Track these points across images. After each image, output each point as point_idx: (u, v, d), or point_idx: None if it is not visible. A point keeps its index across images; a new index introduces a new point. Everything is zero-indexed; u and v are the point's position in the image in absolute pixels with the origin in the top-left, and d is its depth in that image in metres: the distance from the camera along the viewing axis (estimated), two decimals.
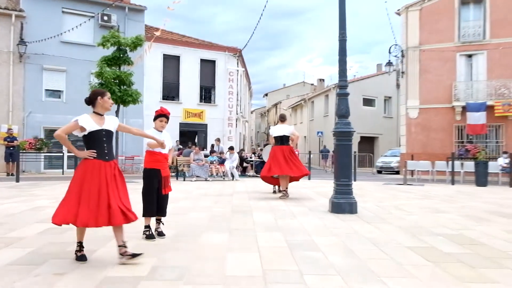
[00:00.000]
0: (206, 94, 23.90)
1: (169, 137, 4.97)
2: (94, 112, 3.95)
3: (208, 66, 23.74)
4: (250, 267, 3.62)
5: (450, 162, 15.31)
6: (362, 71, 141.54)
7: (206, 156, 16.26)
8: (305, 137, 38.71)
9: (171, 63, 22.79)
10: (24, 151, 16.49)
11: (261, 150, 19.01)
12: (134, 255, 3.70)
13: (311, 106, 39.14)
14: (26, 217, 6.19)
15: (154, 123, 4.90)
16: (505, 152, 16.68)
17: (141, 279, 3.28)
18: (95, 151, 3.73)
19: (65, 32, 18.90)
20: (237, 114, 25.01)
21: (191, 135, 23.11)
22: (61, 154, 18.74)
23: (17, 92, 18.65)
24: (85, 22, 18.96)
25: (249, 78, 35.13)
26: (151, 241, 4.62)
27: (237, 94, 24.93)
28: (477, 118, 18.99)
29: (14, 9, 18.58)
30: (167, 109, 5.00)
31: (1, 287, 3.06)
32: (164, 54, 22.34)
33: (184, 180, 14.56)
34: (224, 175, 15.39)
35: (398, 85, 27.29)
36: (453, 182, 14.53)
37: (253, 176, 17.86)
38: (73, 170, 14.24)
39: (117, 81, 13.04)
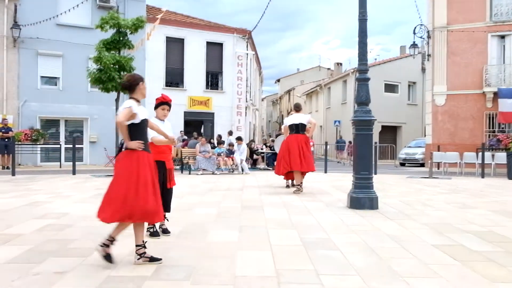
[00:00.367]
0: (213, 80, 23.91)
1: (170, 127, 4.97)
2: (133, 98, 3.84)
3: (214, 50, 23.71)
4: (262, 267, 3.66)
5: (480, 153, 15.17)
6: (384, 54, 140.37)
7: (213, 148, 16.32)
8: (320, 126, 38.58)
9: (175, 47, 22.80)
10: (19, 142, 16.71)
11: (273, 141, 19.05)
12: (153, 259, 3.75)
13: (328, 93, 38.94)
14: (23, 212, 6.30)
15: (155, 112, 4.91)
16: None
17: (146, 278, 3.34)
18: (143, 141, 3.74)
19: (61, 14, 19.00)
20: (246, 101, 25.00)
21: (196, 124, 23.18)
22: (58, 146, 18.97)
23: (12, 80, 18.86)
24: (82, 2, 19.04)
25: (259, 62, 35.04)
26: (156, 239, 4.68)
27: (247, 80, 24.90)
28: (510, 105, 18.73)
29: None
30: (169, 96, 5.02)
31: None
32: (167, 37, 22.35)
33: (189, 173, 14.65)
34: (234, 168, 15.44)
35: (423, 69, 26.98)
36: (483, 175, 14.41)
37: (264, 169, 17.90)
38: (71, 163, 14.42)
39: (117, 66, 13.09)
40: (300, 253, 4.13)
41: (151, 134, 4.46)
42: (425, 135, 23.12)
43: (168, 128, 4.82)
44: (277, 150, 12.89)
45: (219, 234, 4.93)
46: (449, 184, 11.63)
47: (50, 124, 20.13)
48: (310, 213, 6.40)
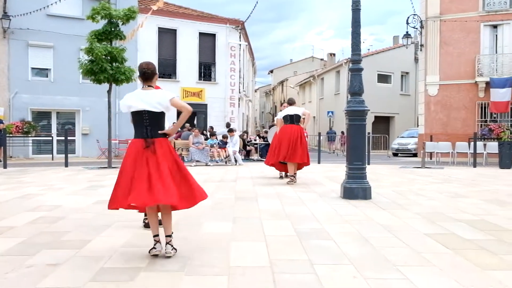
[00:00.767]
0: (206, 71, 23.82)
1: None
2: (151, 86, 3.81)
3: (207, 41, 23.60)
4: (256, 257, 3.67)
5: (472, 143, 15.28)
6: (377, 45, 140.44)
7: (206, 139, 16.29)
8: (314, 117, 38.61)
9: (167, 38, 22.66)
10: (10, 135, 16.59)
11: (266, 132, 19.04)
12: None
13: (321, 84, 38.93)
14: (15, 205, 6.27)
15: None
16: None
17: (140, 270, 3.33)
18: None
19: (51, 4, 18.78)
20: (239, 93, 24.95)
21: (189, 116, 23.07)
22: (50, 138, 18.84)
23: (2, 71, 18.67)
24: None
25: (252, 53, 34.92)
26: (150, 230, 4.67)
27: (240, 71, 24.82)
28: (502, 95, 18.86)
29: None
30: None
31: None
32: (159, 28, 22.20)
33: None
34: (227, 160, 15.44)
35: (416, 60, 27.08)
36: (475, 164, 14.53)
37: (257, 160, 17.92)
38: (63, 155, 14.33)
39: (109, 57, 13.00)
40: (294, 243, 4.14)
41: None
42: (417, 125, 23.25)
43: None
44: (270, 141, 12.90)
45: (213, 226, 4.94)
46: (441, 173, 11.71)
47: (42, 116, 19.99)
48: (304, 204, 6.42)
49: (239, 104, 24.89)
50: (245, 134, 20.89)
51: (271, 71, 61.15)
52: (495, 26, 20.02)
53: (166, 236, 3.70)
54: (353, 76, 7.05)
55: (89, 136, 19.92)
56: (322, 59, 53.02)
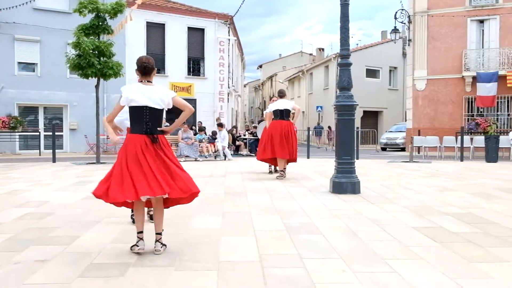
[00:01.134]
0: (195, 66, 23.71)
1: None
2: (150, 82, 3.75)
3: (196, 35, 23.48)
4: (245, 252, 3.67)
5: (459, 137, 15.44)
6: (365, 39, 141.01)
7: (194, 134, 16.23)
8: (303, 112, 38.68)
9: (156, 32, 22.50)
10: None
11: (255, 127, 19.03)
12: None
13: (310, 78, 38.98)
14: (2, 201, 6.20)
15: None
16: None
17: (130, 265, 3.32)
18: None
19: None
20: (228, 88, 24.90)
21: (178, 111, 22.73)
22: (37, 133, 18.64)
23: None
24: None
25: (241, 48, 34.82)
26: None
27: (229, 66, 24.74)
28: (488, 89, 19.06)
29: None
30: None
31: None
32: (147, 22, 22.03)
33: None
34: (216, 155, 15.41)
35: (404, 54, 27.18)
36: (462, 158, 14.69)
37: (246, 155, 17.92)
38: (50, 150, 14.20)
39: (96, 52, 12.87)
40: (284, 238, 4.15)
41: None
42: (405, 120, 23.40)
43: None
44: (259, 136, 12.89)
45: (203, 221, 4.93)
46: (429, 167, 11.82)
47: (29, 111, 19.77)
48: (293, 199, 6.43)
49: (228, 99, 24.83)
50: (234, 129, 20.86)
51: (260, 66, 61.04)
52: (481, 21, 20.19)
53: (157, 233, 3.67)
54: (342, 71, 7.06)
55: (77, 132, 19.74)
56: (311, 54, 53.02)
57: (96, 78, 13.15)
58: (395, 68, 33.37)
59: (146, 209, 4.11)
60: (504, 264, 3.37)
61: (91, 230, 4.44)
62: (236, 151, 18.73)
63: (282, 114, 8.98)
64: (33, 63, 19.53)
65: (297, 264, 3.36)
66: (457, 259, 3.49)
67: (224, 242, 3.99)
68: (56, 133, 14.81)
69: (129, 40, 21.03)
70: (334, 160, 7.21)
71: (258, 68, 62.89)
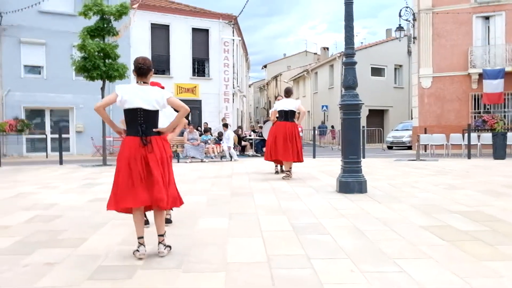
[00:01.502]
0: (200, 67, 23.73)
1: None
2: (146, 83, 3.73)
3: (200, 36, 23.50)
4: (253, 253, 3.67)
5: (466, 135, 15.34)
6: (370, 38, 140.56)
7: (200, 135, 16.24)
8: (308, 111, 38.59)
9: (160, 33, 22.55)
10: (4, 133, 16.49)
11: (261, 127, 19.02)
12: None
13: (315, 78, 38.91)
14: (10, 204, 6.23)
15: None
16: None
17: (137, 268, 3.33)
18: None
19: (43, 0, 18.59)
20: (233, 88, 24.91)
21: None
22: (44, 136, 18.74)
23: None
24: None
25: (246, 48, 34.82)
26: (145, 228, 4.66)
27: (233, 66, 24.75)
28: (495, 86, 18.92)
29: None
30: (160, 83, 4.95)
31: None
32: (152, 24, 22.08)
33: (178, 161, 14.60)
34: (222, 155, 15.42)
35: (409, 52, 27.11)
36: (469, 155, 14.60)
37: (252, 155, 17.91)
38: (57, 153, 14.26)
39: (102, 54, 12.92)
40: (291, 238, 4.15)
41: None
42: (411, 118, 23.29)
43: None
44: (265, 136, 12.88)
45: (210, 222, 4.93)
46: (436, 165, 11.76)
47: (35, 114, 19.87)
48: (300, 199, 6.42)
49: (233, 99, 24.84)
50: (240, 130, 20.86)
51: (265, 66, 61.04)
52: (487, 18, 20.04)
53: (159, 235, 3.65)
54: (347, 70, 7.04)
55: (83, 134, 19.82)
56: (315, 53, 52.95)
57: (102, 80, 13.19)
58: (400, 66, 33.22)
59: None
60: None
61: (98, 232, 4.46)
62: (242, 151, 18.73)
63: (287, 115, 8.87)
64: (39, 66, 19.63)
65: (304, 264, 3.35)
66: (466, 257, 3.46)
67: (231, 243, 3.99)
68: (63, 136, 14.89)
69: (134, 41, 21.08)
70: (340, 159, 7.19)
71: (262, 68, 62.92)
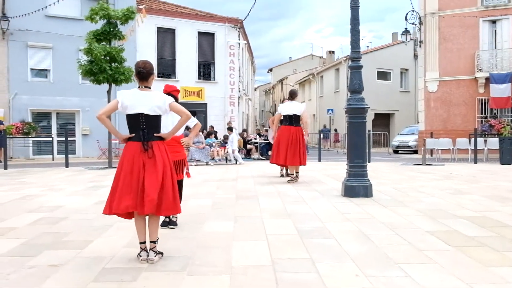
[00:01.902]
0: (205, 70, 23.79)
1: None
2: (147, 87, 3.66)
3: (206, 40, 23.56)
4: (258, 256, 3.67)
5: (472, 139, 15.27)
6: (376, 41, 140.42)
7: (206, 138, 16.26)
8: (314, 115, 38.60)
9: (166, 37, 22.63)
10: (11, 136, 16.59)
11: (266, 130, 19.02)
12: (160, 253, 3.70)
13: (320, 82, 38.89)
14: (16, 206, 6.27)
15: None
16: None
17: (142, 270, 3.34)
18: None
19: (50, 5, 18.76)
20: (239, 91, 24.94)
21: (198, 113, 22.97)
22: (50, 139, 18.84)
23: (1, 73, 18.65)
24: None
25: (251, 52, 34.88)
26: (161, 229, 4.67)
27: (239, 70, 24.80)
28: (502, 90, 18.83)
29: None
30: (175, 86, 4.97)
31: None
32: (158, 27, 22.17)
33: None
34: (227, 156, 15.44)
35: (415, 56, 27.04)
36: (475, 160, 14.52)
37: (258, 159, 17.91)
38: (63, 155, 14.34)
39: (108, 58, 12.99)
40: (296, 242, 4.14)
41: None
42: (418, 122, 23.21)
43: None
44: (270, 139, 12.88)
45: (215, 225, 4.94)
46: (442, 170, 11.71)
47: (42, 117, 19.98)
48: (305, 202, 6.41)
49: (239, 103, 24.86)
50: (245, 133, 20.85)
51: (271, 70, 61.11)
52: (494, 21, 19.97)
53: (151, 241, 3.61)
54: (353, 73, 7.04)
55: (89, 137, 19.90)
56: (321, 57, 52.95)
57: (108, 84, 13.26)
58: (407, 70, 33.13)
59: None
60: None
61: (104, 235, 4.47)
62: (247, 154, 18.73)
63: (291, 120, 8.82)
64: (46, 70, 19.74)
65: (309, 268, 3.34)
66: (472, 263, 3.44)
67: (236, 246, 3.99)
68: (69, 139, 14.96)
69: (140, 45, 21.17)
70: (345, 163, 7.18)
71: (268, 72, 62.98)
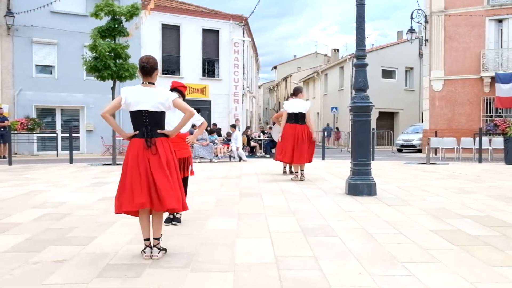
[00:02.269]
0: (210, 67, 23.79)
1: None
2: (151, 83, 3.64)
3: (211, 37, 23.56)
4: (261, 254, 3.67)
5: (477, 139, 15.21)
6: (381, 40, 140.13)
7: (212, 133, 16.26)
8: (318, 113, 38.56)
9: (171, 34, 22.64)
10: (15, 131, 16.66)
11: (270, 128, 19.00)
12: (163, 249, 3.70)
13: (325, 79, 38.83)
14: (21, 202, 6.30)
15: None
16: None
17: (146, 266, 3.35)
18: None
19: (55, 1, 18.79)
20: (243, 89, 24.93)
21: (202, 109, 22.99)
22: (55, 135, 18.91)
23: (6, 68, 18.72)
24: None
25: (256, 49, 34.84)
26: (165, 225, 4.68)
27: (243, 67, 24.79)
28: (507, 90, 18.75)
29: None
30: (182, 83, 4.96)
31: None
32: (162, 24, 22.18)
33: None
34: (231, 155, 15.45)
35: (421, 55, 26.97)
36: (480, 160, 14.47)
37: (262, 156, 17.91)
38: (67, 151, 14.39)
39: (113, 54, 13.01)
40: (299, 239, 4.14)
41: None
42: (422, 121, 23.16)
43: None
44: (274, 137, 12.86)
45: (218, 222, 4.94)
46: (446, 169, 11.67)
47: (46, 113, 20.05)
48: (309, 200, 6.41)
49: (243, 100, 24.86)
50: (248, 130, 20.84)
51: (275, 67, 61.04)
52: (500, 21, 19.87)
53: (155, 238, 3.62)
54: (358, 71, 7.02)
55: (94, 133, 19.96)
56: (326, 55, 52.86)
57: (112, 80, 13.28)
58: (411, 68, 33.03)
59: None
60: None
61: (107, 231, 4.49)
62: (251, 152, 18.73)
63: (297, 118, 8.75)
64: (51, 66, 19.80)
65: (313, 266, 3.35)
66: (477, 262, 3.44)
67: (240, 243, 4.00)
68: (73, 135, 15.01)
69: (144, 42, 21.19)
70: (349, 161, 7.17)
71: (272, 69, 62.92)
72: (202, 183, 8.62)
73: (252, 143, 19.09)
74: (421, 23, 21.09)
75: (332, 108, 33.48)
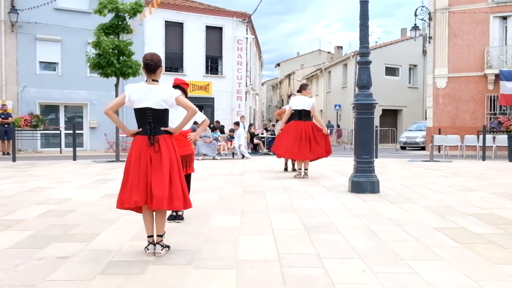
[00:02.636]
0: (213, 64, 23.78)
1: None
2: (155, 81, 3.63)
3: (214, 34, 23.54)
4: (264, 251, 3.67)
5: (481, 136, 15.16)
6: (385, 37, 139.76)
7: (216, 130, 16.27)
8: (321, 110, 38.49)
9: (174, 31, 22.63)
10: (19, 128, 16.71)
11: (273, 125, 19.01)
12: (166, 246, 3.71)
13: (328, 77, 38.75)
14: (25, 198, 6.32)
15: None
16: None
17: (149, 263, 3.35)
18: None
19: None
20: (246, 86, 24.91)
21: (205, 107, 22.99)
22: (58, 131, 18.96)
23: (10, 65, 18.77)
24: None
25: (259, 46, 34.80)
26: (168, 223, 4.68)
27: (247, 65, 24.76)
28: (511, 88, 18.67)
29: None
30: (185, 80, 4.97)
31: (3, 271, 3.15)
32: (166, 21, 22.18)
33: None
34: (234, 152, 15.45)
35: (424, 52, 26.83)
36: (484, 157, 14.42)
37: (265, 154, 17.91)
38: (71, 148, 14.43)
39: (116, 51, 13.02)
40: (302, 237, 4.14)
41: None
42: (426, 118, 23.09)
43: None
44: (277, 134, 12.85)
45: (221, 219, 4.94)
46: (450, 167, 11.64)
47: (50, 109, 20.11)
48: (312, 198, 6.41)
49: (246, 97, 24.85)
50: (251, 127, 20.83)
51: (278, 65, 60.95)
52: (504, 18, 19.76)
53: (158, 235, 3.61)
54: (361, 69, 7.00)
55: (97, 130, 20.01)
56: (329, 52, 52.74)
57: (116, 77, 13.30)
58: (415, 66, 32.93)
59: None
60: None
61: (111, 228, 4.50)
62: (254, 149, 18.73)
63: (301, 115, 8.74)
64: (54, 63, 19.85)
65: (316, 263, 3.34)
66: (480, 260, 3.42)
67: (242, 240, 3.99)
68: (77, 132, 15.05)
69: (147, 39, 21.20)
70: (352, 159, 7.16)
71: (276, 67, 62.82)
72: (205, 180, 8.62)
73: (256, 141, 19.09)
74: (425, 20, 21.00)
75: (335, 106, 33.42)
